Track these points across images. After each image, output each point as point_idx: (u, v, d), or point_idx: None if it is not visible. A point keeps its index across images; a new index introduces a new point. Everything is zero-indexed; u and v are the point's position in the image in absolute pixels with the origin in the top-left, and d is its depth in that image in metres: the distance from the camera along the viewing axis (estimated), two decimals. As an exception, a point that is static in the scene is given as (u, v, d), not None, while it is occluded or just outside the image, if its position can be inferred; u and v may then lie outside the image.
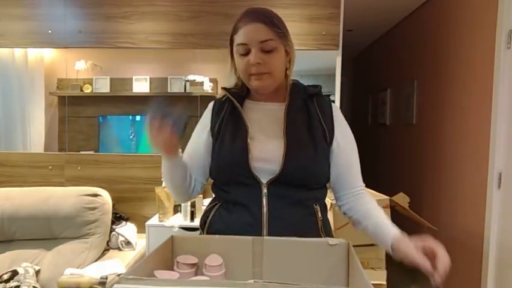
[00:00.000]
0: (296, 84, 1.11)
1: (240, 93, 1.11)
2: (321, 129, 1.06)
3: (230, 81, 1.13)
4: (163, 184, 2.29)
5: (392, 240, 0.95)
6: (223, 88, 1.13)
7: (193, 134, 1.16)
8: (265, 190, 1.00)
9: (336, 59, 2.47)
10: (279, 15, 1.08)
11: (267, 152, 1.02)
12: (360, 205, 1.07)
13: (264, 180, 1.00)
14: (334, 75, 2.48)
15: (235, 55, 1.05)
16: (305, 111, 1.08)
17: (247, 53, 1.01)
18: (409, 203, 2.21)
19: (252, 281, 0.66)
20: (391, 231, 0.98)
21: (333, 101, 1.15)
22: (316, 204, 1.04)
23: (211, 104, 1.16)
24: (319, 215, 1.04)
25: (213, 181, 1.12)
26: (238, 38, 1.02)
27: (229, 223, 1.01)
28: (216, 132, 1.09)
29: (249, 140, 1.03)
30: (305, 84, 1.15)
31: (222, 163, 1.05)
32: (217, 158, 1.06)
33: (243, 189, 1.02)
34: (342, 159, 1.07)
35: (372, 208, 1.06)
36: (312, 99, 1.10)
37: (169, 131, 0.94)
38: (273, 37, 1.01)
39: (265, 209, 1.00)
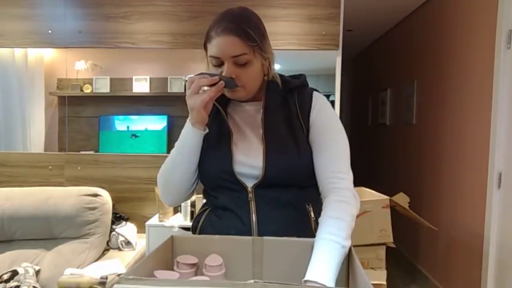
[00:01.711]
0: (273, 82, 1.06)
1: (223, 96, 1.06)
2: (299, 124, 1.03)
3: None
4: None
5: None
6: None
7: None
8: (251, 195, 0.99)
9: (336, 59, 2.47)
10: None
11: (249, 157, 1.00)
12: (324, 205, 0.97)
13: (250, 184, 0.98)
14: (334, 75, 2.48)
15: (209, 64, 1.01)
16: (285, 107, 1.05)
17: (220, 64, 0.97)
18: (409, 203, 2.21)
19: (252, 281, 0.66)
20: (309, 273, 0.82)
21: (316, 90, 1.09)
22: (308, 205, 1.02)
23: None
24: (312, 215, 1.02)
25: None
26: (211, 50, 0.97)
27: (219, 229, 1.00)
28: None
29: (233, 146, 1.02)
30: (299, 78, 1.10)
31: (207, 169, 1.04)
32: (202, 164, 1.04)
33: (230, 194, 1.00)
34: (317, 145, 1.01)
35: (322, 223, 0.92)
36: (293, 93, 1.07)
37: (212, 94, 0.93)
38: (247, 51, 0.95)
39: (253, 214, 0.98)
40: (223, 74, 0.96)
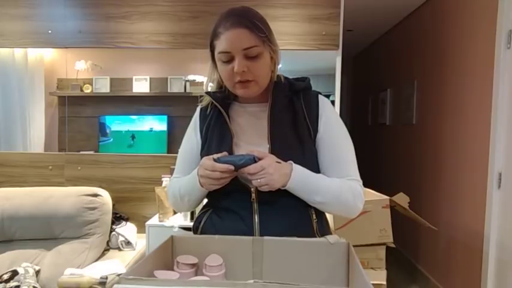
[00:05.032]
0: (279, 82, 1.07)
1: (225, 97, 1.08)
2: (306, 127, 1.03)
3: (212, 80, 1.10)
4: (164, 184, 2.29)
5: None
6: (207, 93, 1.09)
7: (186, 139, 1.15)
8: (253, 196, 0.99)
9: (336, 59, 2.47)
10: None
11: None
12: None
13: (253, 186, 0.97)
14: (334, 75, 2.48)
15: (217, 62, 1.01)
16: (290, 109, 1.05)
17: (230, 60, 0.97)
18: (409, 203, 2.21)
19: (252, 281, 0.66)
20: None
21: (320, 93, 1.10)
22: (310, 207, 1.02)
23: (198, 109, 1.15)
24: (314, 217, 1.02)
25: None
26: (220, 45, 0.97)
27: (221, 230, 0.99)
28: (204, 137, 1.08)
29: (234, 147, 1.02)
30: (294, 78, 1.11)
31: None
32: None
33: (233, 196, 1.00)
34: (326, 151, 1.04)
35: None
36: (298, 95, 1.07)
37: (228, 180, 0.95)
38: (257, 43, 0.96)
39: (256, 216, 0.98)
40: (235, 69, 0.95)
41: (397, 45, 3.94)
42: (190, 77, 2.82)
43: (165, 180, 2.30)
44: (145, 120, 2.93)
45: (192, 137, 1.13)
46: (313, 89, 1.11)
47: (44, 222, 2.06)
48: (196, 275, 0.87)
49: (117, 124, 2.95)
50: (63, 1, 2.53)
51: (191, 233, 1.13)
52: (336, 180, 1.01)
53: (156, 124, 2.93)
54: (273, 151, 0.98)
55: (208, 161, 0.94)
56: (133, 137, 2.93)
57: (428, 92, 3.13)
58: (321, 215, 1.06)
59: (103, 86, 2.93)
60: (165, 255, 0.89)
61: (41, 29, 2.53)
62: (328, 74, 2.53)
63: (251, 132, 1.06)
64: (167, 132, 2.91)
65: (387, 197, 2.16)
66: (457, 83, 2.66)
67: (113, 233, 2.26)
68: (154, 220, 2.26)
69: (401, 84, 3.71)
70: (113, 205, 2.27)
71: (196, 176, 0.99)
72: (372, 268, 2.12)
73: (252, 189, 0.99)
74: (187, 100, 2.80)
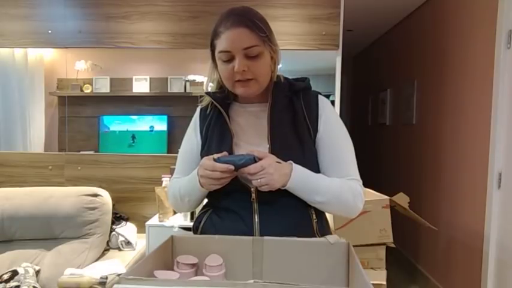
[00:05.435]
0: (279, 82, 1.07)
1: (225, 97, 1.08)
2: (306, 127, 1.03)
3: (212, 80, 1.11)
4: (164, 184, 2.29)
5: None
6: (207, 93, 1.10)
7: (186, 139, 1.15)
8: (253, 195, 0.99)
9: (336, 59, 2.47)
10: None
11: None
12: None
13: (253, 186, 0.97)
14: (334, 75, 2.48)
15: (217, 61, 1.01)
16: (290, 109, 1.05)
17: (230, 59, 0.97)
18: (409, 203, 2.21)
19: (252, 281, 0.66)
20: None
21: (319, 93, 1.10)
22: (310, 207, 1.02)
23: (198, 109, 1.15)
24: (314, 217, 1.02)
25: None
26: (221, 45, 0.97)
27: (221, 230, 0.99)
28: (204, 137, 1.09)
29: (234, 147, 1.02)
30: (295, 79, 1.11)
31: None
32: None
33: (233, 196, 1.01)
34: (326, 151, 1.04)
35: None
36: (298, 95, 1.07)
37: (228, 180, 0.95)
38: (257, 42, 0.96)
39: (256, 216, 0.98)
40: (236, 68, 0.96)
41: (397, 45, 3.94)
42: (190, 77, 2.82)
43: (165, 180, 2.30)
44: (146, 120, 2.93)
45: (192, 137, 1.13)
46: (313, 89, 1.11)
47: (44, 222, 2.06)
48: (196, 275, 0.87)
49: (117, 124, 2.95)
50: (63, 1, 2.53)
51: (191, 233, 1.13)
52: (336, 180, 1.01)
53: (156, 124, 2.93)
54: (273, 151, 0.98)
55: (208, 161, 0.94)
56: (133, 137, 2.93)
57: (428, 92, 3.13)
58: (321, 215, 1.06)
59: (103, 86, 2.93)
60: (165, 255, 0.89)
61: (41, 29, 2.53)
62: (328, 74, 2.53)
63: (251, 132, 1.06)
64: (167, 132, 2.91)
65: (387, 197, 2.16)
66: (457, 83, 2.66)
67: (113, 233, 2.26)
68: (154, 220, 2.26)
69: (401, 84, 3.71)
70: (113, 205, 2.27)
71: (197, 176, 0.99)
72: (372, 268, 2.12)
73: (252, 189, 0.99)
74: (187, 100, 2.81)
